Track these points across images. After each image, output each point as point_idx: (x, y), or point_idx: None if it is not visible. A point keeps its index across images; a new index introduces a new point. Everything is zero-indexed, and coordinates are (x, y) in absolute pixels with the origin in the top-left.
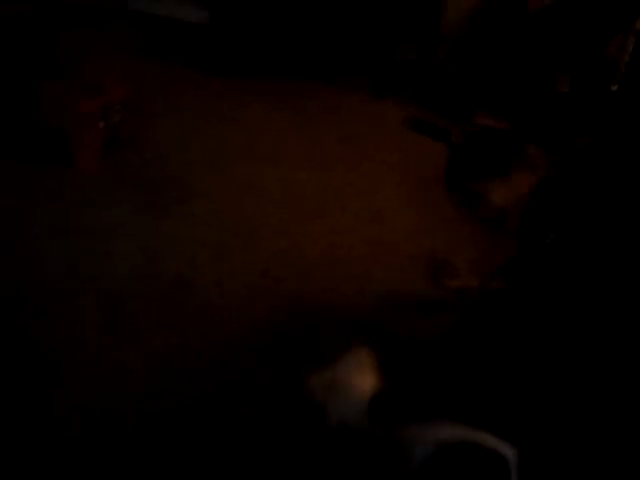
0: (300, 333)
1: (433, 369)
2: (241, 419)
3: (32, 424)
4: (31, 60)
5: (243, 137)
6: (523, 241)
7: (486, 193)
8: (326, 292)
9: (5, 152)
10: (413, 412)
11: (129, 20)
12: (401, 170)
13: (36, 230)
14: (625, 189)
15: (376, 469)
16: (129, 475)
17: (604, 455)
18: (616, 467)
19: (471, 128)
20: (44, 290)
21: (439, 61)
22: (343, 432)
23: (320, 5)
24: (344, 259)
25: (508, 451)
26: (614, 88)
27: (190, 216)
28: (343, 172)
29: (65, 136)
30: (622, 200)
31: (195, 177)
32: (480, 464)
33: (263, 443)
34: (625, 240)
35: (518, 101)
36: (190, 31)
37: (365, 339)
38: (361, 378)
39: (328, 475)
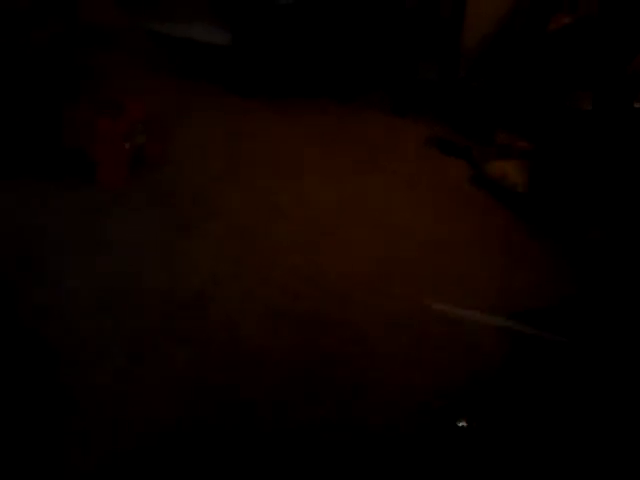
0: (319, 351)
1: None
2: (254, 434)
3: (55, 438)
4: (52, 81)
5: (262, 154)
6: None
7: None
8: (345, 307)
9: (28, 171)
10: None
11: (149, 40)
12: (416, 184)
13: (57, 247)
14: None
15: None
16: None
17: None
18: None
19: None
20: (65, 305)
21: (459, 80)
22: None
23: (341, 27)
24: (362, 275)
25: None
26: (637, 105)
27: (209, 232)
28: (359, 187)
29: (89, 156)
30: None
31: (214, 193)
32: None
33: (272, 459)
34: None
35: (539, 119)
36: (210, 51)
37: None
38: None
39: None
